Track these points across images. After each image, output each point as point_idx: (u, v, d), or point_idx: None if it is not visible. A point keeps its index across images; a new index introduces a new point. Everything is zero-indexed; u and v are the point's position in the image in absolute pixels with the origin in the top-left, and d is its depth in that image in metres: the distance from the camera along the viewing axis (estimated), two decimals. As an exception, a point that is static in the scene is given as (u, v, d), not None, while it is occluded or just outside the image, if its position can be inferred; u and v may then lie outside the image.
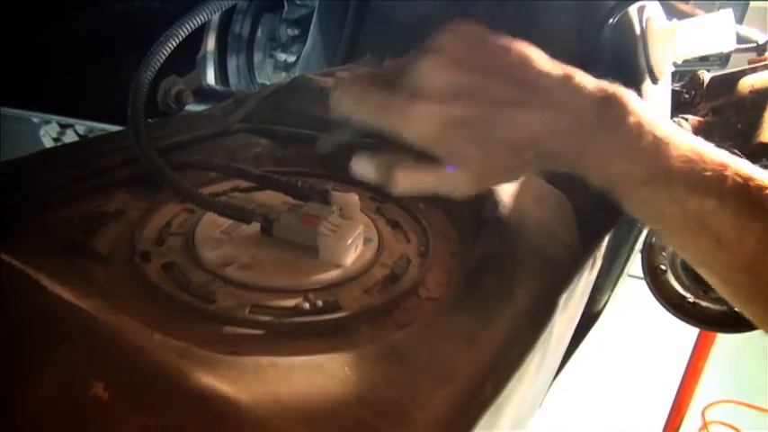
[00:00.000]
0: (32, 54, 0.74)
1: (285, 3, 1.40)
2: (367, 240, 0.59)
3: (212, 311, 0.48)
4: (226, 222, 0.59)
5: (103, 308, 0.45)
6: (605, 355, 2.40)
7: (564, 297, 0.46)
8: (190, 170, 0.67)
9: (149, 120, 0.83)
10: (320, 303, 0.50)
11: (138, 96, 0.54)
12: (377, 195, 0.70)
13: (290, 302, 0.50)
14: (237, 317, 0.48)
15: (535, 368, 0.49)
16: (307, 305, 0.50)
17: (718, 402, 2.40)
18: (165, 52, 0.55)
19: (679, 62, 0.86)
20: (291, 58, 1.44)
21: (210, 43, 1.25)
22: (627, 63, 0.81)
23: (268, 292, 0.51)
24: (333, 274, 0.54)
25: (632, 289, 1.22)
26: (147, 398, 0.36)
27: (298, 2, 1.40)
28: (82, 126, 1.42)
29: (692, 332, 2.05)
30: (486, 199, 0.60)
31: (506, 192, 0.60)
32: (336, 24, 0.96)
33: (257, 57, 1.46)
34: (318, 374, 0.41)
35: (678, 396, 2.06)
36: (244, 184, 0.68)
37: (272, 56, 1.48)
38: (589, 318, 0.68)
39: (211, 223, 0.59)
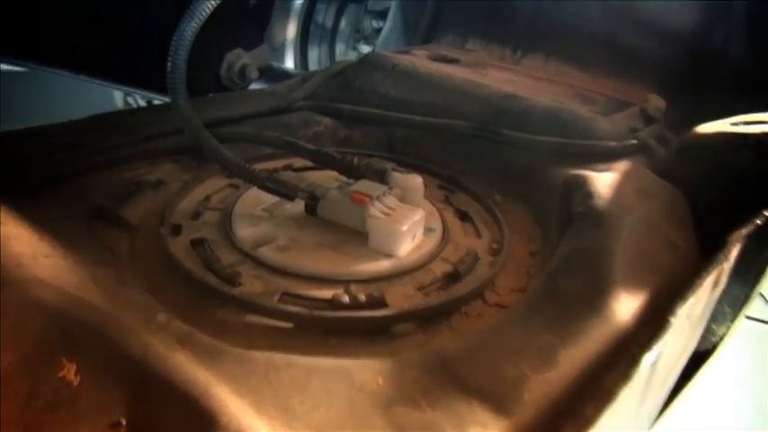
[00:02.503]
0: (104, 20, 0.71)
1: (371, -8, 1.34)
2: (428, 231, 0.50)
3: (234, 295, 0.40)
4: (270, 200, 0.52)
5: (108, 278, 0.38)
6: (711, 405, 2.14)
7: (677, 317, 0.35)
8: (240, 143, 0.60)
9: (210, 94, 0.78)
10: (362, 297, 0.41)
11: (179, 52, 0.48)
12: (447, 184, 0.61)
13: (327, 293, 0.42)
14: (262, 304, 0.40)
15: (633, 408, 0.38)
16: (346, 298, 0.41)
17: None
18: (211, 5, 0.48)
19: None
20: (374, 51, 1.38)
21: (291, 31, 1.21)
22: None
23: (303, 279, 0.43)
24: (382, 265, 0.45)
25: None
26: (123, 389, 0.29)
27: (382, -10, 1.33)
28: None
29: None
30: (576, 188, 0.49)
31: (604, 181, 0.49)
32: (417, 4, 0.88)
33: (339, 48, 1.40)
34: (344, 383, 0.32)
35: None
36: (298, 162, 0.61)
37: (354, 48, 1.42)
38: (700, 353, 0.55)
39: (254, 200, 0.52)
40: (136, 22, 0.70)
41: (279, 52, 1.18)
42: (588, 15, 0.75)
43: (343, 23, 1.37)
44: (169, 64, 0.48)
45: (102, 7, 0.68)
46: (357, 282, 0.43)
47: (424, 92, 0.68)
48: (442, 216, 0.53)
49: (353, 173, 0.53)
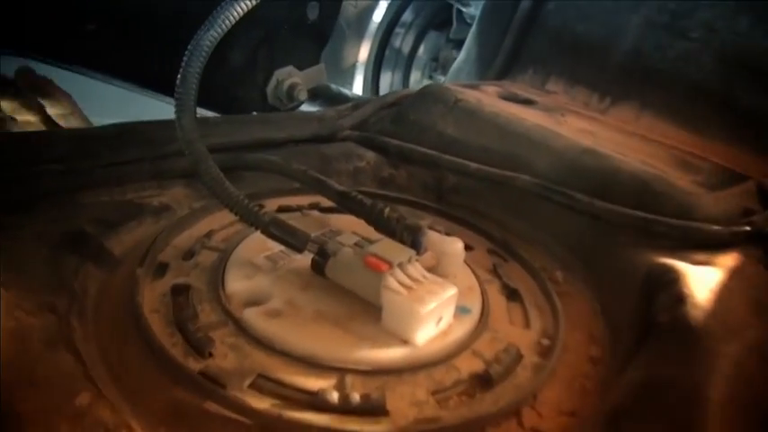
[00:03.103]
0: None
1: (454, 21, 1.26)
2: (462, 311, 0.40)
3: (194, 373, 0.32)
4: (278, 246, 0.43)
5: (40, 333, 0.31)
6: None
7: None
8: (263, 172, 0.53)
9: (254, 113, 0.72)
10: (356, 398, 0.32)
11: (191, 63, 0.41)
12: (498, 249, 0.50)
13: (315, 383, 0.33)
14: (224, 391, 0.31)
15: None
16: (335, 395, 0.31)
17: None
18: (237, 13, 0.41)
19: None
20: (451, 82, 1.29)
21: (364, 53, 1.14)
22: None
23: (288, 359, 0.34)
24: (392, 354, 0.35)
25: None
26: None
27: (468, 20, 1.24)
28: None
29: None
30: (663, 284, 0.38)
31: (702, 280, 0.37)
32: (497, 34, 0.78)
33: (414, 76, 1.33)
34: None
35: None
36: (327, 201, 0.52)
37: (430, 77, 1.34)
38: None
39: (260, 243, 0.43)
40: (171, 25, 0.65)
41: (347, 74, 1.11)
42: (699, 62, 0.62)
43: (421, 50, 1.30)
44: (179, 75, 0.41)
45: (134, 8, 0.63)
46: (356, 372, 0.34)
47: (485, 134, 0.58)
48: (483, 291, 0.43)
49: (382, 226, 0.43)
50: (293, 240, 0.40)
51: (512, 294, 0.44)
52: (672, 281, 0.37)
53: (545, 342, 0.39)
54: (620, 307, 0.42)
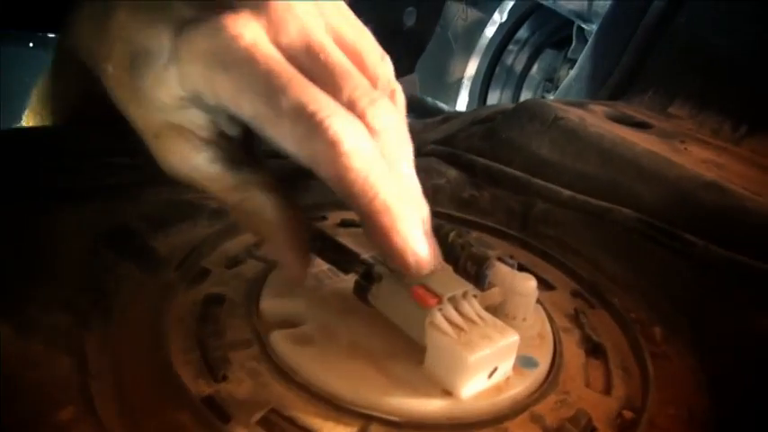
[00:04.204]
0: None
1: (574, 39, 1.17)
2: (527, 363, 0.33)
3: (194, 399, 0.28)
4: (327, 264, 0.39)
5: (48, 332, 0.29)
6: None
7: None
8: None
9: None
10: (376, 455, 0.26)
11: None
12: (585, 292, 0.43)
13: (331, 429, 0.28)
14: (222, 429, 0.27)
15: None
16: (351, 448, 0.26)
17: None
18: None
19: None
20: (565, 104, 1.20)
21: (472, 68, 1.09)
22: None
23: (307, 396, 0.30)
24: (429, 406, 0.30)
25: None
26: None
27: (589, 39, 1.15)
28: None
29: None
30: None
31: None
32: (616, 50, 0.70)
33: (525, 95, 1.25)
34: None
35: None
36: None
37: (543, 97, 1.26)
38: None
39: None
40: None
41: (451, 90, 1.07)
42: None
43: (534, 69, 1.22)
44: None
45: None
46: (382, 422, 0.29)
47: (585, 158, 0.51)
48: (557, 342, 0.36)
49: (445, 251, 0.38)
50: (342, 258, 0.36)
51: (594, 349, 0.37)
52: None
53: (627, 414, 0.32)
54: (731, 381, 0.33)
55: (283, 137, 0.26)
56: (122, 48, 0.29)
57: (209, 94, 0.27)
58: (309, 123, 0.25)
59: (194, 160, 0.30)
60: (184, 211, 0.44)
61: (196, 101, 0.28)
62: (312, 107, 0.25)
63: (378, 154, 0.27)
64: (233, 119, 0.29)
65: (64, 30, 0.37)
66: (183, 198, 0.46)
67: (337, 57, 0.28)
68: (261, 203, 0.30)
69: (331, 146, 0.25)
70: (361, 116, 0.27)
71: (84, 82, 0.38)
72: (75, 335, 0.30)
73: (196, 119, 0.29)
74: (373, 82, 0.29)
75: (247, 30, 0.26)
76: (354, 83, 0.27)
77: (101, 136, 0.50)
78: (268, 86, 0.26)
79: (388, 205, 0.27)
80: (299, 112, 0.25)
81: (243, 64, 0.26)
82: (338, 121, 0.26)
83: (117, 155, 0.46)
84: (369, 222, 0.27)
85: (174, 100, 0.28)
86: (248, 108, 0.26)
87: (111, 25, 0.29)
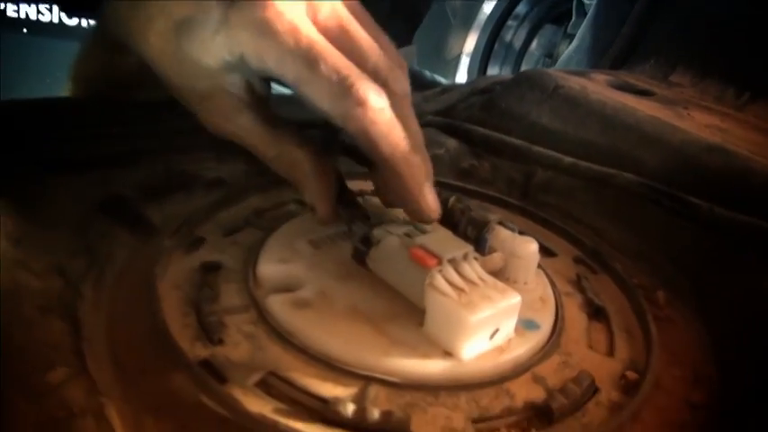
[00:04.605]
0: None
1: (574, 13, 1.15)
2: (528, 325, 0.33)
3: (190, 361, 0.28)
4: (326, 230, 0.38)
5: (42, 296, 0.28)
6: None
7: None
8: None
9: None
10: (375, 414, 0.26)
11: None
12: (587, 258, 0.42)
13: (330, 389, 0.28)
14: (218, 390, 0.26)
15: None
16: (350, 408, 0.26)
17: None
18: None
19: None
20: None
21: (470, 43, 1.08)
22: None
23: (306, 358, 0.29)
24: (429, 367, 0.29)
25: None
26: None
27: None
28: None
29: None
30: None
31: None
32: (616, 19, 0.69)
33: (525, 72, 1.24)
34: None
35: None
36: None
37: (542, 73, 1.24)
38: None
39: (306, 226, 0.39)
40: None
41: (450, 65, 1.05)
42: None
43: (534, 45, 1.21)
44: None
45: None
46: (382, 383, 0.28)
47: (587, 126, 0.50)
48: (559, 305, 0.35)
49: (445, 216, 0.37)
50: (346, 213, 0.36)
51: (596, 312, 0.36)
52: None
53: (631, 375, 0.31)
54: (736, 342, 0.33)
55: (321, 97, 0.31)
56: (166, 20, 0.33)
57: (254, 58, 0.32)
58: (343, 86, 0.30)
59: (238, 119, 0.35)
60: (179, 181, 0.43)
61: (239, 65, 0.33)
62: (345, 72, 0.30)
63: (394, 114, 0.32)
64: (265, 83, 0.35)
65: (98, 11, 0.40)
66: (178, 168, 0.45)
67: (362, 34, 0.33)
68: (297, 157, 0.35)
69: (360, 104, 0.30)
70: (383, 82, 0.32)
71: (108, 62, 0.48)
72: (69, 299, 0.29)
73: (238, 81, 0.34)
74: (389, 56, 0.34)
75: (292, 6, 0.31)
76: (377, 55, 0.33)
77: (98, 106, 0.50)
78: (309, 54, 0.31)
79: (406, 156, 0.32)
80: (334, 76, 0.30)
81: (289, 34, 0.31)
82: (365, 85, 0.31)
83: (113, 125, 0.46)
84: (389, 170, 0.32)
85: (219, 64, 0.33)
86: (291, 71, 0.31)
87: (151, 2, 0.34)
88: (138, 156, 0.44)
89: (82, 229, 0.35)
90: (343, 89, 0.30)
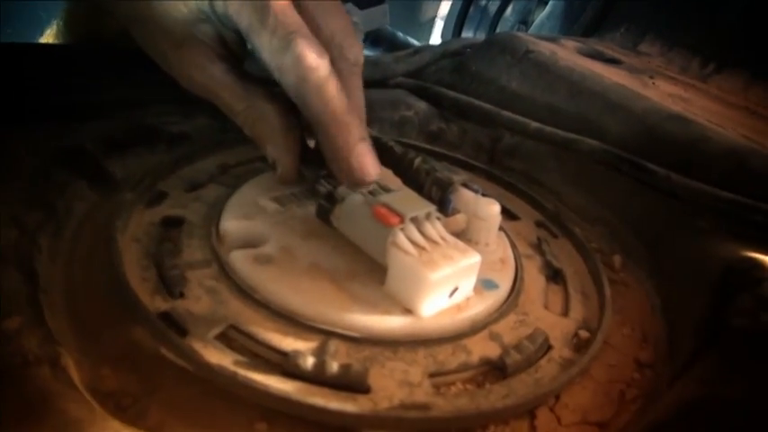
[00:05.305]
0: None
1: (549, -21, 1.14)
2: (487, 285, 0.34)
3: (150, 313, 0.27)
4: (292, 188, 0.38)
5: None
6: None
7: None
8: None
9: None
10: (334, 367, 0.26)
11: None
12: (548, 222, 0.43)
13: (290, 343, 0.28)
14: (178, 342, 0.26)
15: None
16: (309, 361, 0.26)
17: None
18: None
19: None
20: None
21: (445, 7, 1.06)
22: None
23: (267, 313, 0.29)
24: (389, 323, 0.30)
25: None
26: None
27: (565, -21, 1.13)
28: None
29: None
30: (745, 283, 0.30)
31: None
32: (590, -13, 0.68)
33: (499, 38, 1.23)
34: None
35: None
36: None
37: (516, 40, 1.23)
38: None
39: (271, 183, 0.38)
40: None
41: (424, 29, 1.04)
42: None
43: (509, 11, 1.20)
44: None
45: None
46: (342, 338, 0.29)
47: (554, 91, 0.50)
48: (519, 267, 0.36)
49: (409, 177, 0.38)
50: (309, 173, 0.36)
51: (554, 275, 0.37)
52: (758, 280, 0.29)
53: (583, 334, 0.33)
54: (685, 305, 0.34)
55: (263, 47, 0.32)
56: None
57: (220, 5, 0.33)
58: (285, 40, 0.31)
59: (210, 69, 0.35)
60: (142, 135, 0.43)
61: (210, 16, 0.34)
62: (291, 28, 0.31)
63: (334, 75, 0.32)
64: (238, 39, 0.36)
65: None
66: (141, 122, 0.44)
67: (326, 4, 0.34)
68: (265, 110, 0.35)
69: (296, 59, 0.31)
70: (337, 49, 0.34)
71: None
72: (25, 250, 0.29)
73: (210, 31, 0.35)
74: (346, 28, 0.35)
75: None
76: (338, 22, 0.34)
77: (59, 54, 0.48)
78: (264, 7, 0.32)
79: (337, 115, 0.32)
80: (280, 30, 0.31)
81: None
82: (306, 42, 0.31)
83: (75, 75, 0.44)
84: (319, 128, 0.33)
85: (191, 11, 0.34)
86: (245, 20, 0.32)
87: None
88: (100, 107, 0.43)
89: (39, 181, 0.34)
90: (284, 43, 0.31)
